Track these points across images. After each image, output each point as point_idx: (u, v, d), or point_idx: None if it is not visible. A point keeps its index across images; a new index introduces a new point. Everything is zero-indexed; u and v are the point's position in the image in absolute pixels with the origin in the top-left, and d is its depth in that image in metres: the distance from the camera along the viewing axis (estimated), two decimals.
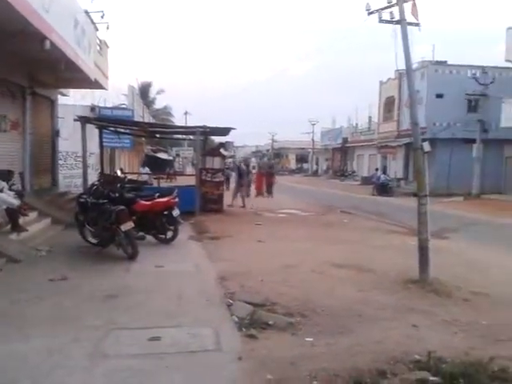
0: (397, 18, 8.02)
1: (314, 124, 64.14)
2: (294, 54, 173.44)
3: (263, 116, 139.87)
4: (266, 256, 9.20)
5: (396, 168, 36.42)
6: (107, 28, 14.89)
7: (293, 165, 76.49)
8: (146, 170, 27.79)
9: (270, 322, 5.29)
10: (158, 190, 12.13)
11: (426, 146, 7.59)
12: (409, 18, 7.96)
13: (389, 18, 8.26)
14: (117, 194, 9.49)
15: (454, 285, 7.11)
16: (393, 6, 8.17)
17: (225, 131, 17.37)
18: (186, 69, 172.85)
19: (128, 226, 8.42)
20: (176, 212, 10.22)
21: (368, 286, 7.12)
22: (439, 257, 8.50)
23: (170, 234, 10.27)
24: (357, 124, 53.52)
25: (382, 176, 31.94)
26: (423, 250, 7.42)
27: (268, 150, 79.61)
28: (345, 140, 51.33)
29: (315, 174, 61.89)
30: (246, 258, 8.96)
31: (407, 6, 7.98)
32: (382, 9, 8.39)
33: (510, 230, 14.74)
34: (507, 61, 26.37)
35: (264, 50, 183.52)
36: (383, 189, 30.03)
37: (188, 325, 5.23)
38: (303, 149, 70.85)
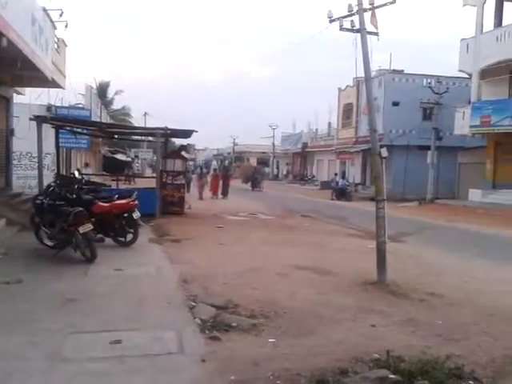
0: (357, 26, 8.24)
1: (274, 128, 64.45)
2: (255, 58, 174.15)
3: (225, 119, 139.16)
4: (228, 259, 9.22)
5: (354, 173, 37.18)
6: (66, 26, 14.55)
7: None
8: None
9: (233, 324, 5.32)
10: (116, 191, 11.92)
11: (384, 152, 7.81)
12: (368, 27, 8.22)
13: (349, 27, 8.47)
14: (74, 196, 9.29)
15: (410, 286, 7.35)
16: (353, 14, 8.37)
17: (186, 133, 17.26)
18: (145, 70, 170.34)
19: (86, 227, 8.24)
20: (136, 214, 10.10)
21: (328, 288, 7.26)
22: (396, 259, 8.79)
23: (129, 237, 10.11)
24: (316, 129, 54.30)
25: (341, 181, 32.51)
26: (381, 253, 7.62)
27: (229, 154, 79.46)
28: (305, 145, 51.96)
29: (276, 178, 62.25)
30: (208, 260, 8.94)
31: (367, 16, 8.23)
32: (343, 17, 8.57)
33: (462, 233, 15.33)
34: (460, 71, 27.40)
35: (224, 54, 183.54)
36: (342, 193, 30.56)
37: (150, 328, 5.18)
38: (264, 153, 71.05)
